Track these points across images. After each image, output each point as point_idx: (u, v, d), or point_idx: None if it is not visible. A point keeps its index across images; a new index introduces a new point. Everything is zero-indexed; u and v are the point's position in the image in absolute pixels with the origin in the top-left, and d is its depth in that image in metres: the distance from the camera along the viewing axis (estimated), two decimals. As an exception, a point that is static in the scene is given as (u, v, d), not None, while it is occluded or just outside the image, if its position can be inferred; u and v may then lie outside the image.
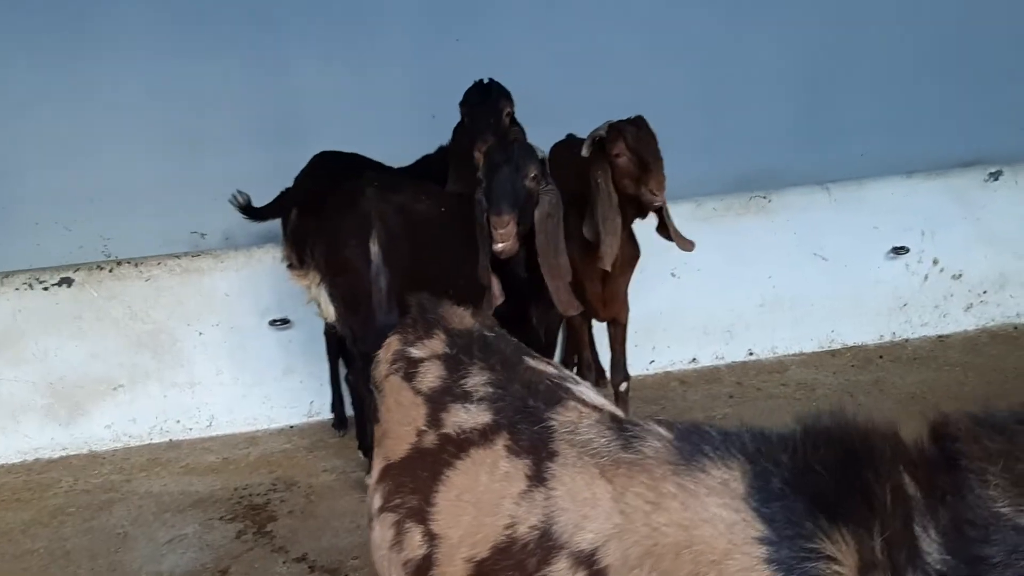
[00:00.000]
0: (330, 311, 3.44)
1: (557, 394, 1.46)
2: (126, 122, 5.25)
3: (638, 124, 3.24)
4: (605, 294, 3.62)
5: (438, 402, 1.53)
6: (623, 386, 3.74)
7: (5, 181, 5.17)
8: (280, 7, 5.26)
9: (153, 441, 4.48)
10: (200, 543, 3.45)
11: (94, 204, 5.19)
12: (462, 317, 1.80)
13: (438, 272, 3.35)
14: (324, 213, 3.46)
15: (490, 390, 1.47)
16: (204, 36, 5.24)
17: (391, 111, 5.17)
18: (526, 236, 3.10)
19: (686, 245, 3.42)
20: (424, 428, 1.51)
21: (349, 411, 4.47)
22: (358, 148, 4.36)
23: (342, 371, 4.38)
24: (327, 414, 4.55)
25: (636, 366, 4.35)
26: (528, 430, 1.33)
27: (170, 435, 4.50)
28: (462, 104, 3.86)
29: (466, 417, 1.45)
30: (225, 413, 4.54)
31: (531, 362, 1.58)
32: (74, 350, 4.39)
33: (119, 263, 4.46)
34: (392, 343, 1.81)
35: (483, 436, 1.39)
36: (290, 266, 4.10)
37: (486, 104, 3.79)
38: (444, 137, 4.39)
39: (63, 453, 4.41)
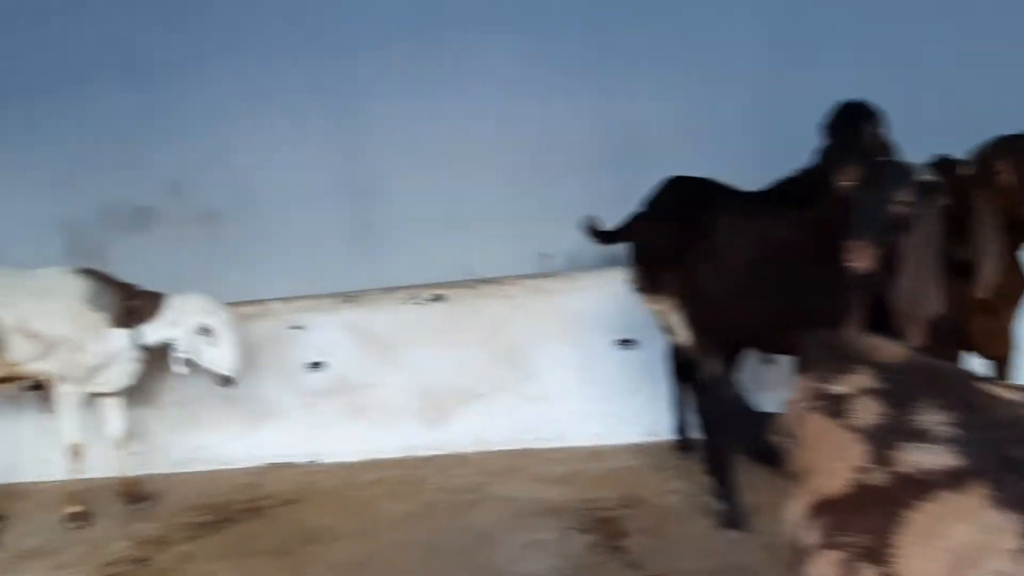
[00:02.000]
0: (684, 335, 3.40)
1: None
2: (480, 149, 5.65)
3: None
4: (984, 328, 3.22)
5: (882, 440, 1.40)
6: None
7: (382, 207, 5.77)
8: (622, 38, 5.37)
9: (508, 448, 4.72)
10: (557, 550, 3.54)
11: (455, 226, 5.63)
12: (888, 348, 1.66)
13: (798, 299, 3.18)
14: (678, 239, 3.44)
15: (952, 430, 1.32)
16: (554, 69, 5.48)
17: (735, 135, 5.06)
18: (888, 259, 2.83)
19: None
20: (867, 465, 1.40)
21: (693, 433, 4.43)
22: (701, 172, 4.28)
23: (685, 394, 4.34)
24: (669, 435, 4.52)
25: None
26: (1018, 483, 1.18)
27: (523, 444, 4.71)
28: (825, 125, 3.66)
29: (925, 457, 1.31)
30: (572, 427, 4.67)
31: (993, 391, 1.41)
32: (443, 360, 4.76)
33: (482, 282, 4.76)
34: (805, 381, 1.71)
35: (952, 479, 1.25)
36: (639, 289, 4.15)
37: (848, 125, 3.56)
38: (791, 162, 4.21)
39: (432, 453, 4.78)
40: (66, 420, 4.20)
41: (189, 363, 4.16)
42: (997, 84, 4.61)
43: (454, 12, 5.51)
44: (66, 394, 4.16)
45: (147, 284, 4.45)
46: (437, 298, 4.74)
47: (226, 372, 4.18)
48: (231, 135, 5.80)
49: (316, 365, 4.84)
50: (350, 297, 4.84)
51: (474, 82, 5.59)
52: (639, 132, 5.42)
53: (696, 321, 3.41)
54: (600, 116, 5.51)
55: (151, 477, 4.81)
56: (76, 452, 4.23)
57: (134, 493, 4.43)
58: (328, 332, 4.84)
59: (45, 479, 5.02)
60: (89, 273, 4.25)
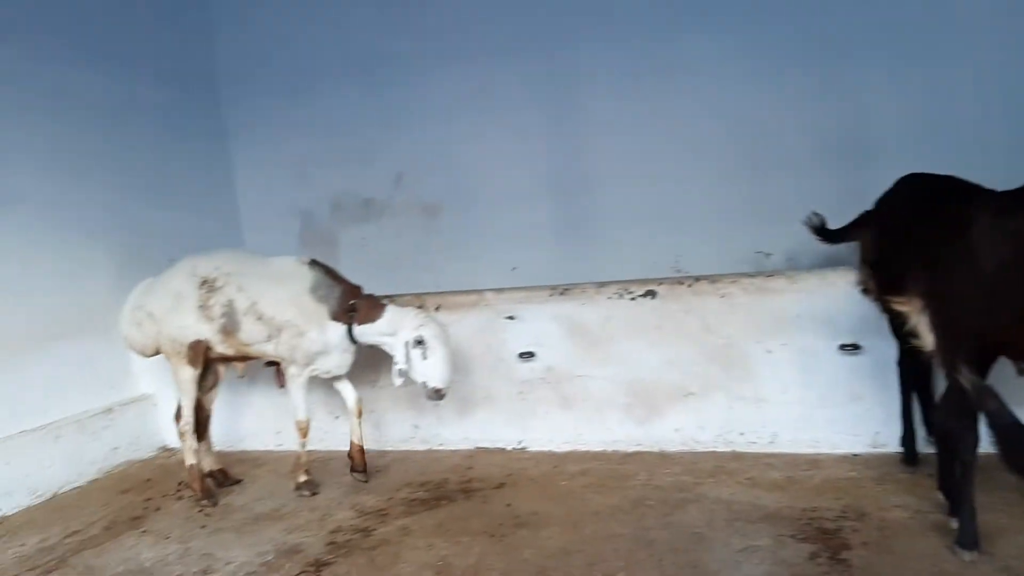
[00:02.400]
0: (929, 340, 3.29)
1: None
2: (694, 146, 5.68)
3: None
4: None
5: None
6: None
7: (595, 201, 5.94)
8: (840, 27, 5.23)
9: (718, 449, 4.73)
10: (774, 558, 3.52)
11: (666, 223, 5.70)
12: None
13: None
14: (924, 239, 3.33)
15: None
16: (770, 64, 5.42)
17: (968, 131, 4.81)
18: None
19: None
20: None
21: (921, 446, 4.27)
22: (931, 169, 4.09)
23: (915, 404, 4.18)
24: (894, 446, 4.36)
25: None
26: None
27: (734, 446, 4.71)
28: None
29: None
30: (789, 432, 4.61)
31: None
32: (653, 356, 4.84)
33: (697, 279, 4.79)
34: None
35: None
36: (867, 291, 4.05)
37: None
38: None
39: (637, 448, 4.89)
40: (294, 398, 4.63)
41: (402, 373, 4.42)
42: None
43: (670, 10, 5.59)
44: (293, 375, 4.61)
45: (372, 269, 4.86)
46: (649, 294, 4.82)
47: (437, 384, 4.39)
48: (454, 131, 6.18)
49: (527, 355, 5.07)
50: (562, 290, 5.02)
51: (690, 77, 5.65)
52: (860, 127, 5.28)
53: (947, 325, 3.28)
54: (819, 110, 5.42)
55: (372, 453, 5.24)
56: (302, 428, 4.67)
57: (362, 460, 4.81)
58: (540, 323, 5.04)
59: (277, 448, 5.62)
60: (319, 266, 4.63)
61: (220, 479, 5.02)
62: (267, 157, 6.92)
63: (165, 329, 4.66)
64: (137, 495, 5.05)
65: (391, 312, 4.51)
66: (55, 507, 5.00)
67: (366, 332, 4.53)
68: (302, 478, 4.74)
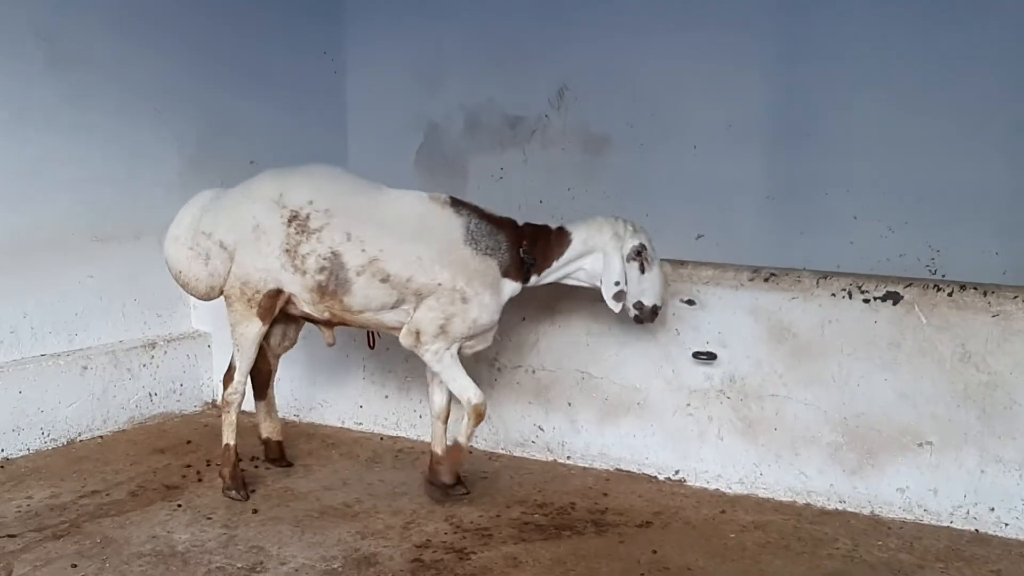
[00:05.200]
0: None
1: None
2: (984, 101, 5.42)
3: None
4: None
5: None
6: None
7: (826, 162, 5.77)
8: None
9: (954, 525, 4.52)
10: None
11: (926, 204, 5.46)
12: None
13: None
14: None
15: None
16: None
17: None
18: None
19: None
20: None
21: None
22: None
23: None
24: None
25: None
26: None
27: (979, 524, 4.48)
28: None
29: None
30: (1059, 517, 4.38)
31: None
32: (881, 384, 4.64)
33: (962, 287, 4.55)
34: None
35: None
36: None
37: None
38: None
39: (840, 506, 4.72)
40: (456, 379, 4.55)
41: (620, 296, 4.50)
42: None
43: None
44: (437, 352, 4.49)
45: (506, 211, 4.77)
46: (890, 297, 4.62)
47: (657, 301, 4.61)
48: (641, 41, 6.09)
49: (706, 356, 4.95)
50: (767, 274, 4.87)
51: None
52: None
53: None
54: None
55: (479, 453, 5.26)
56: (479, 412, 4.55)
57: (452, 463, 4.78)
58: (729, 315, 4.93)
59: (356, 428, 5.70)
60: (464, 207, 4.55)
61: (275, 454, 5.09)
62: (389, 50, 6.98)
63: (238, 267, 4.55)
64: (175, 458, 5.21)
65: (580, 231, 4.56)
66: (72, 457, 5.22)
67: (548, 274, 4.61)
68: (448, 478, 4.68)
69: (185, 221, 4.66)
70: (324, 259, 4.42)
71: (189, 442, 5.48)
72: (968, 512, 4.53)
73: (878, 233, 5.55)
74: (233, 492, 4.70)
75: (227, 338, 4.85)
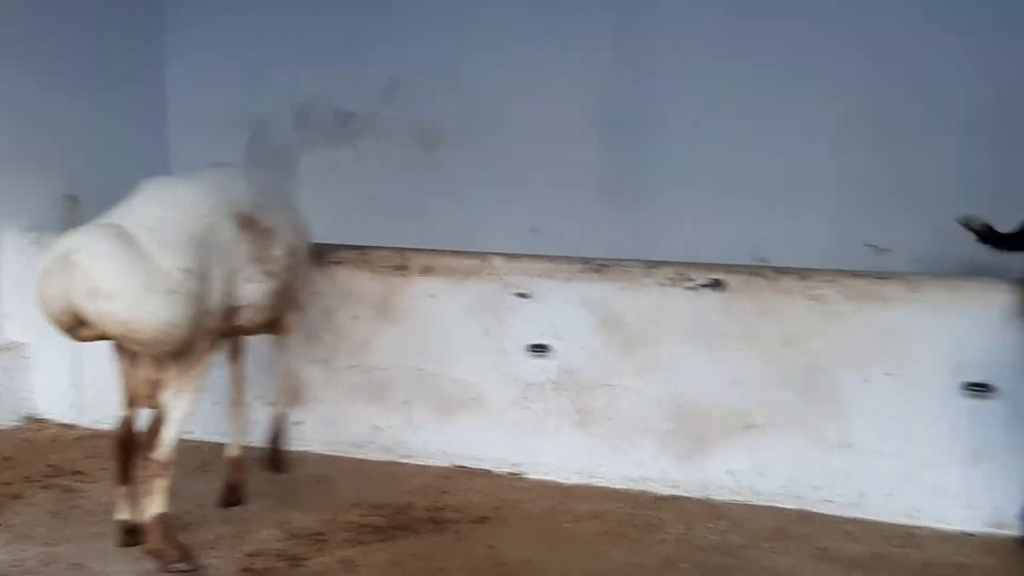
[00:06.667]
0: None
1: None
2: (804, 91, 5.61)
3: None
4: None
5: None
6: None
7: (653, 155, 5.88)
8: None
9: (782, 505, 4.69)
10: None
11: (750, 192, 5.63)
12: None
13: None
14: None
15: None
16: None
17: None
18: None
19: None
20: None
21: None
22: None
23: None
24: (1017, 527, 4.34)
25: None
26: None
27: (804, 503, 4.67)
28: None
29: None
30: (881, 492, 4.58)
31: None
32: (710, 370, 4.77)
33: (783, 272, 4.72)
34: None
35: None
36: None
37: None
38: None
39: (674, 491, 4.85)
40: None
41: None
42: None
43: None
44: None
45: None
46: (715, 284, 4.76)
47: None
48: (473, 32, 6.10)
49: (539, 348, 5.01)
50: (597, 265, 4.95)
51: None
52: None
53: None
54: (973, 71, 5.34)
55: (315, 457, 5.21)
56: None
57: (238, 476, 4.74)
58: (562, 307, 4.99)
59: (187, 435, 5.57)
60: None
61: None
62: (211, 43, 6.83)
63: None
64: (-9, 475, 5.01)
65: None
66: None
67: None
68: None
69: (127, 261, 3.67)
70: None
71: (8, 458, 5.27)
72: (794, 491, 4.70)
73: (706, 222, 5.69)
74: (182, 565, 3.96)
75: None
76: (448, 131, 6.33)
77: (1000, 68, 5.33)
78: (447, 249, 5.30)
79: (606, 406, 4.96)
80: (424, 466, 5.21)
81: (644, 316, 4.88)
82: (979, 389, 4.43)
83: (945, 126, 5.43)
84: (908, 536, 4.43)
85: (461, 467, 5.19)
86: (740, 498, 4.77)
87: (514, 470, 5.12)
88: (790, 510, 4.67)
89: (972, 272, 4.80)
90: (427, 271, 5.13)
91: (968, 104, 5.40)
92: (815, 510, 4.65)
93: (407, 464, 5.25)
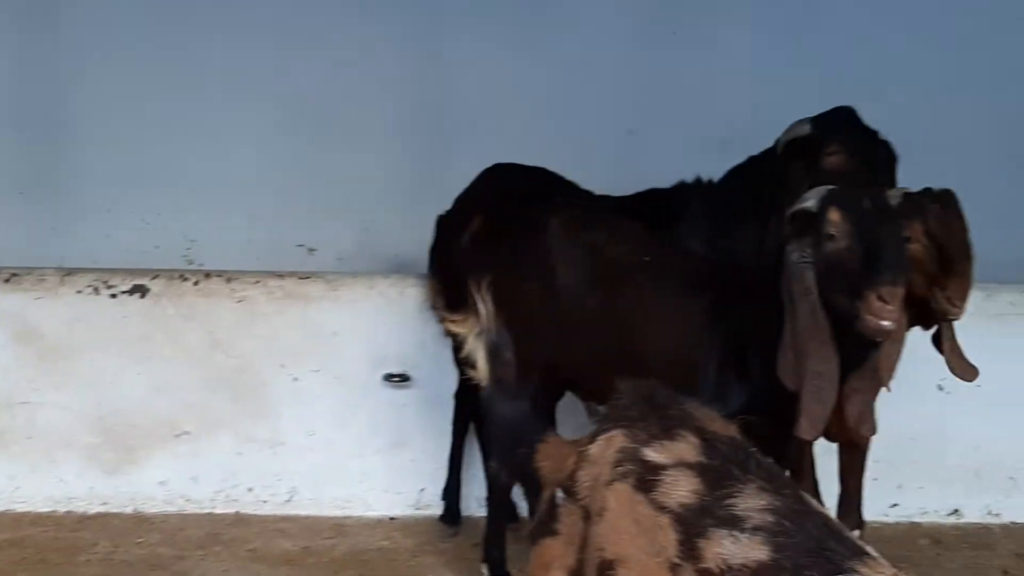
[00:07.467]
0: (484, 370, 3.53)
1: (859, 545, 1.53)
2: (240, 89, 5.56)
3: (945, 201, 3.08)
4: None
5: (693, 525, 1.56)
6: (854, 534, 3.64)
7: (65, 149, 5.56)
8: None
9: (216, 511, 4.67)
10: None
11: (180, 197, 5.51)
12: (714, 419, 1.86)
13: (630, 340, 3.37)
14: (496, 245, 3.58)
15: (770, 519, 1.50)
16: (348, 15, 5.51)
17: (574, 121, 5.32)
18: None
19: (967, 372, 3.31)
20: (678, 561, 1.55)
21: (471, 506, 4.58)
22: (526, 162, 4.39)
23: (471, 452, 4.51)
24: (440, 507, 4.64)
25: (872, 509, 4.23)
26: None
27: (238, 506, 4.69)
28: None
29: (733, 549, 1.49)
30: (311, 487, 4.70)
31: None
32: (136, 379, 4.64)
33: (207, 275, 4.70)
34: (616, 438, 1.86)
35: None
36: (434, 308, 4.28)
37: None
38: (640, 158, 4.56)
39: (103, 508, 4.66)
40: None
41: None
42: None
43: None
44: None
45: None
46: (137, 290, 4.63)
47: None
48: None
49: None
50: (8, 275, 4.65)
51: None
52: (451, 100, 5.55)
53: (505, 351, 3.54)
54: (404, 77, 5.59)
55: None
56: None
57: None
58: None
59: None
60: None
61: None
62: None
63: None
64: None
65: None
66: None
67: None
68: None
69: None
70: None
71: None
72: (228, 495, 4.71)
73: (133, 225, 5.48)
74: None
75: None
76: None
77: (419, 80, 5.58)
78: None
79: (25, 424, 4.66)
80: None
81: (63, 327, 4.64)
82: (398, 379, 4.68)
83: (369, 129, 5.61)
84: (338, 527, 4.58)
85: None
86: (173, 508, 4.68)
87: (-84, 501, 4.65)
88: (225, 514, 4.66)
89: (397, 268, 5.06)
90: None
91: (388, 110, 5.62)
92: (250, 512, 4.68)
93: None
